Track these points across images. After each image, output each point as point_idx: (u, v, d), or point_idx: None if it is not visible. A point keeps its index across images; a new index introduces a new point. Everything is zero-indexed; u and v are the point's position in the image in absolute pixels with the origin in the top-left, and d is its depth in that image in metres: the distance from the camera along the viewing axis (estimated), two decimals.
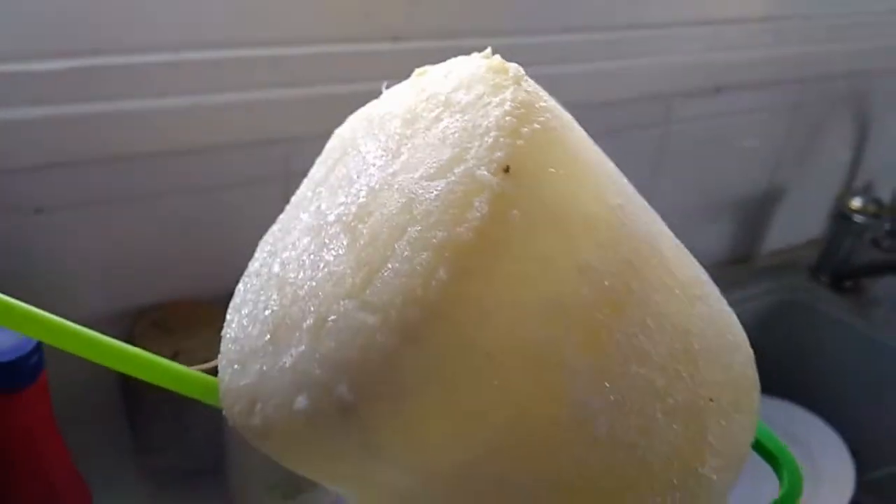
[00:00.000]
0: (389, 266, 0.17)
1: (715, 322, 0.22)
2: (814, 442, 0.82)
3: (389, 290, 0.17)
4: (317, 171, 0.23)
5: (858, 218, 0.87)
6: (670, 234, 0.23)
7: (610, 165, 0.21)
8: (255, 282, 0.21)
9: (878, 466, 0.86)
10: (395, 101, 0.21)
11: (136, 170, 0.52)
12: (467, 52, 0.22)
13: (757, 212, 0.94)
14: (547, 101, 0.19)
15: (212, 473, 0.57)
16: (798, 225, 0.98)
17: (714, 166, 0.86)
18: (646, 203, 0.22)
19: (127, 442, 0.59)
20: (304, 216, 0.21)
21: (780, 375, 0.94)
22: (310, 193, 0.21)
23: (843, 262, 0.91)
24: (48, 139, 0.48)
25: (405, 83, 0.23)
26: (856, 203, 0.87)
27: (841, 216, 0.88)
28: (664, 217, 0.26)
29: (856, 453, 0.83)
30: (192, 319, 0.54)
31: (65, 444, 0.42)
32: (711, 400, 0.20)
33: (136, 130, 0.50)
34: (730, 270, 0.95)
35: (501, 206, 0.16)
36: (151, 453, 0.57)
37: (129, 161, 0.51)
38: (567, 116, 0.20)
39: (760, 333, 0.94)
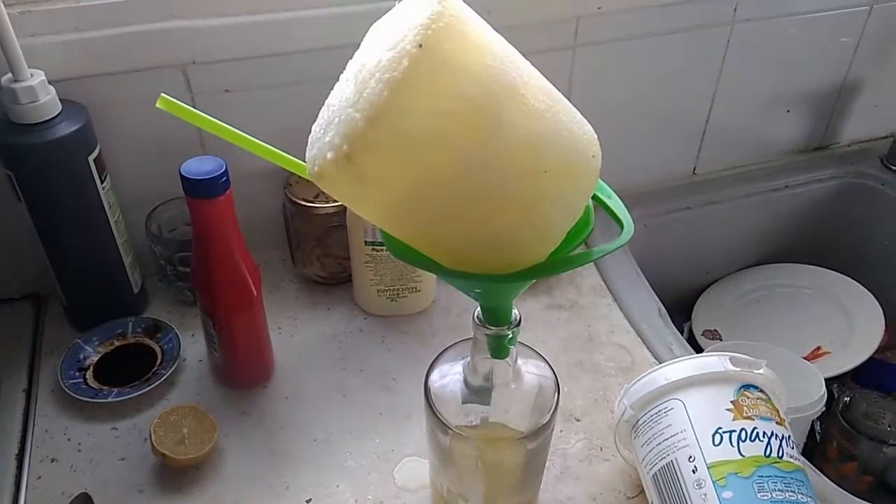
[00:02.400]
0: (366, 91, 0.35)
1: (560, 131, 0.38)
2: (853, 305, 0.93)
3: (365, 101, 0.35)
4: (356, 54, 0.42)
5: None
6: (541, 85, 0.39)
7: (498, 46, 0.37)
8: (323, 110, 0.41)
9: None
10: (388, 15, 0.40)
11: (291, 64, 0.74)
12: None
13: (834, 103, 1.01)
14: (458, 11, 0.36)
15: (342, 282, 0.80)
16: (880, 118, 1.05)
17: (790, 60, 0.94)
18: (526, 68, 0.39)
19: (286, 258, 0.84)
20: (342, 76, 0.40)
21: (837, 250, 1.04)
22: (349, 66, 0.41)
23: None
24: (234, 42, 0.71)
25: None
26: None
27: None
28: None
29: None
30: None
31: (245, 243, 0.66)
32: (546, 171, 0.38)
33: (292, 33, 0.72)
34: (805, 156, 1.04)
35: (415, 62, 0.34)
36: (302, 266, 0.81)
37: (286, 56, 0.73)
38: (473, 20, 0.37)
39: (827, 213, 1.04)
